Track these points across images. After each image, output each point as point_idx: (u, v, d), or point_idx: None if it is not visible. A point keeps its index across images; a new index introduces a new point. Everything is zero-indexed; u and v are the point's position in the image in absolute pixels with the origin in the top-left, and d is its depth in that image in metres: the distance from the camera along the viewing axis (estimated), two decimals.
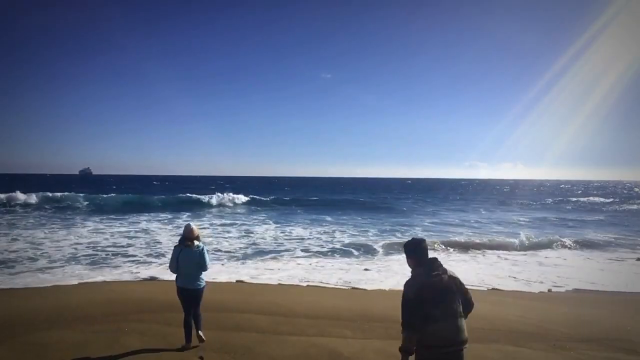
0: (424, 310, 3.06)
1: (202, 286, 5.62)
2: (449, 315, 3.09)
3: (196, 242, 5.55)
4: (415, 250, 3.34)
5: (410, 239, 3.49)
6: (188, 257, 5.48)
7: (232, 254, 14.09)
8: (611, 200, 50.76)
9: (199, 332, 5.59)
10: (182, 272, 5.51)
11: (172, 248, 5.69)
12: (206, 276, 5.80)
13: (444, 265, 3.30)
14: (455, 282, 3.24)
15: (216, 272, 10.64)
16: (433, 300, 3.08)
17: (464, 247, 16.34)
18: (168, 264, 5.76)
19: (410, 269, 3.34)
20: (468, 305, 3.27)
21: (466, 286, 3.33)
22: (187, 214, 27.48)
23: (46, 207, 27.46)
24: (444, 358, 3.10)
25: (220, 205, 31.94)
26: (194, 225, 5.73)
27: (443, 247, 16.37)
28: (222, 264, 12.33)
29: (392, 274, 11.37)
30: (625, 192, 78.29)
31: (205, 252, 5.61)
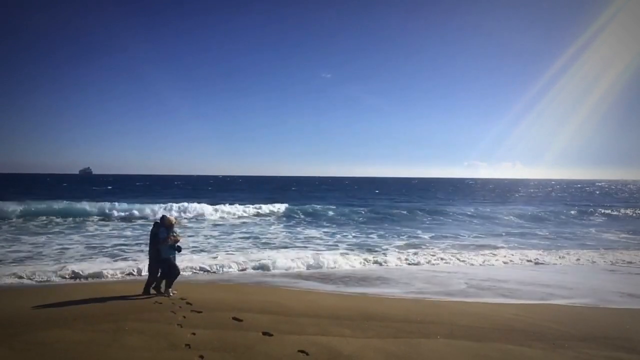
0: (151, 239, 8.33)
1: (169, 255, 8.11)
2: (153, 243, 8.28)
3: (175, 227, 8.24)
4: (161, 219, 8.26)
5: (163, 214, 8.66)
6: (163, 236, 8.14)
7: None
8: None
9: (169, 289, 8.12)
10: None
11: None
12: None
13: None
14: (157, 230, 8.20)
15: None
16: (153, 237, 8.23)
17: None
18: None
19: None
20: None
21: None
22: (189, 215, 27.42)
23: (46, 210, 27.35)
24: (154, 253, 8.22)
25: (221, 208, 31.82)
26: (171, 216, 8.49)
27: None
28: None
29: (391, 275, 11.35)
30: None
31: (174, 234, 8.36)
